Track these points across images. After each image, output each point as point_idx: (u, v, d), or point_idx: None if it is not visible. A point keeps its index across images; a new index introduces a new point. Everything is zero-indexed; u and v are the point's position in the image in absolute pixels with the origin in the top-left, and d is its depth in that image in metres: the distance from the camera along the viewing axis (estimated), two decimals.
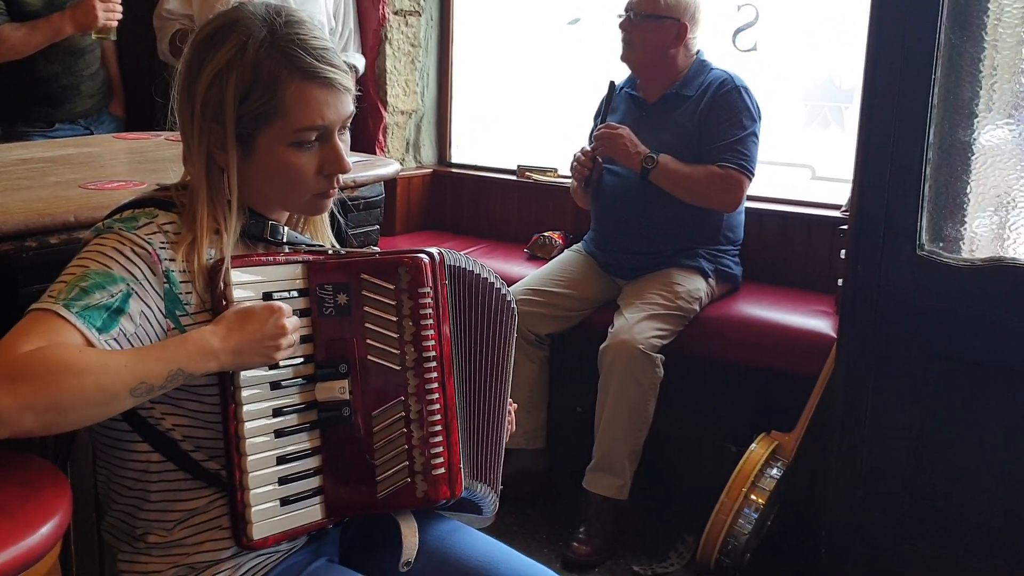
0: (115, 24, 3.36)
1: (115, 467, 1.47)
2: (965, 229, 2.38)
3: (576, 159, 3.28)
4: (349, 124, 1.51)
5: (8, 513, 1.30)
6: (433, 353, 1.49)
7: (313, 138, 1.45)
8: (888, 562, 2.49)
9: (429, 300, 1.49)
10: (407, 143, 4.32)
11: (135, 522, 1.47)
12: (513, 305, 1.69)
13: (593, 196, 3.35)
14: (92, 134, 3.52)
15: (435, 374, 1.50)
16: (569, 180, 3.50)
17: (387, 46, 4.11)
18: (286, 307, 1.40)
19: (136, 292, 1.33)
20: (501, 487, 1.69)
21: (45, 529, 1.30)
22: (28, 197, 1.92)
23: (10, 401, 1.18)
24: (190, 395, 1.39)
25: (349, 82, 1.47)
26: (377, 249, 1.60)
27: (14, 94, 3.37)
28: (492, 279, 1.65)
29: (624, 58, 3.25)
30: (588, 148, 3.27)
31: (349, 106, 1.48)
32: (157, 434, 1.41)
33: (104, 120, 3.68)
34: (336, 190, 1.52)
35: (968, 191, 2.36)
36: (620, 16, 3.24)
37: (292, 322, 1.40)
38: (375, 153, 3.99)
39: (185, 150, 1.48)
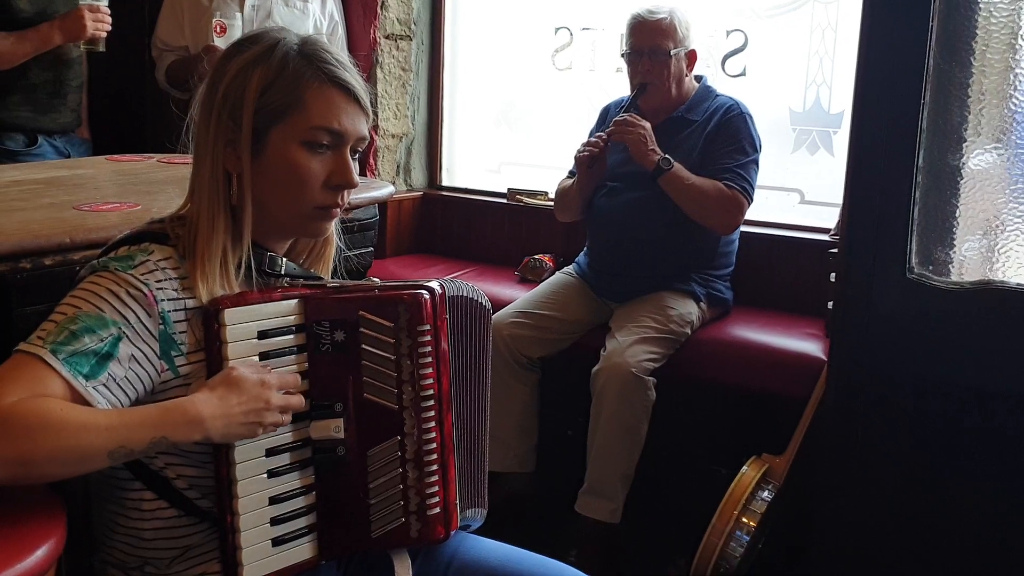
0: (103, 35, 3.34)
1: (108, 503, 1.46)
2: (954, 252, 2.39)
3: (584, 144, 3.24)
4: (360, 151, 1.51)
5: (3, 535, 1.28)
6: (431, 392, 1.48)
7: (325, 141, 1.44)
8: None
9: (429, 339, 1.47)
10: (398, 166, 4.34)
11: (129, 559, 1.46)
12: (490, 312, 1.68)
13: (588, 218, 3.35)
14: (69, 156, 3.51)
15: (432, 413, 1.48)
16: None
17: (378, 70, 4.13)
18: (275, 380, 1.38)
19: (127, 336, 1.31)
20: (488, 509, 1.70)
21: (40, 552, 1.27)
22: (23, 218, 1.91)
23: None
24: None
25: (368, 103, 1.49)
26: (377, 281, 1.57)
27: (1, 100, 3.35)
28: (480, 299, 1.65)
29: (645, 101, 3.23)
30: (602, 134, 3.22)
31: (364, 128, 1.49)
32: (150, 473, 1.40)
33: (76, 143, 3.65)
34: (339, 210, 1.50)
35: (957, 215, 2.37)
36: (626, 55, 3.25)
37: (278, 399, 1.38)
38: (366, 176, 4.00)
39: (194, 163, 1.47)
